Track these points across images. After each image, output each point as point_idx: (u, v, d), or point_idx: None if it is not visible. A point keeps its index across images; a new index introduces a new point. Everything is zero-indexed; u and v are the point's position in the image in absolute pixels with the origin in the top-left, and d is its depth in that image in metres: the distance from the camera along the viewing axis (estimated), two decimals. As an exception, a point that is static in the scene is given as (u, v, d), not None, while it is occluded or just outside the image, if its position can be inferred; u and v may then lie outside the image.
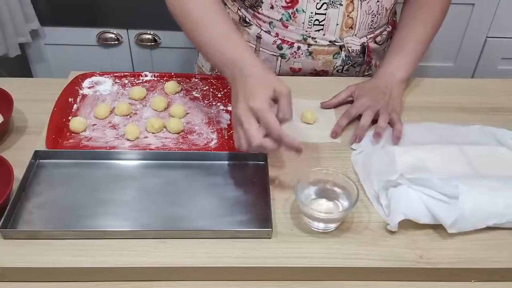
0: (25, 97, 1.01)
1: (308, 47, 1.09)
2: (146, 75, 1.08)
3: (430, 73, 1.88)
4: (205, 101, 1.03)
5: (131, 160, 0.88)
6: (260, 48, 1.12)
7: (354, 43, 1.08)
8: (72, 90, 1.02)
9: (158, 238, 0.76)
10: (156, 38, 1.79)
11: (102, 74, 1.08)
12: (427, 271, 0.74)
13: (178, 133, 0.95)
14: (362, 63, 1.14)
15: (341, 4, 1.03)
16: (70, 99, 1.00)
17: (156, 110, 1.00)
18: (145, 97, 1.03)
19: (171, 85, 1.04)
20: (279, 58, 1.12)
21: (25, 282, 0.73)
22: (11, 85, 1.00)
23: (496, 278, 0.76)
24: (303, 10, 1.04)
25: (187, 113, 0.99)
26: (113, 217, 0.78)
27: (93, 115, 0.98)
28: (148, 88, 1.05)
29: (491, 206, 0.78)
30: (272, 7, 1.06)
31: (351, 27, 1.07)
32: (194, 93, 1.05)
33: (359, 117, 0.97)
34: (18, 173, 0.82)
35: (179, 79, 1.08)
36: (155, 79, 1.08)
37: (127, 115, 0.98)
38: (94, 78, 1.07)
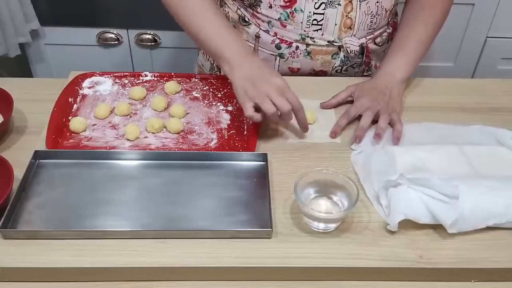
0: (25, 97, 1.01)
1: (306, 47, 1.09)
2: (146, 75, 1.08)
3: (430, 73, 1.88)
4: (205, 101, 1.03)
5: (131, 160, 0.87)
6: (259, 48, 1.12)
7: (352, 43, 1.08)
8: (72, 90, 1.02)
9: (158, 238, 0.76)
10: (156, 38, 1.78)
11: (102, 74, 1.08)
12: (427, 271, 0.74)
13: (178, 133, 0.95)
14: (361, 63, 1.14)
15: (339, 4, 1.03)
16: (70, 99, 1.00)
17: (156, 110, 1.00)
18: (145, 97, 1.03)
19: (171, 85, 1.04)
20: (278, 57, 1.11)
21: (25, 282, 0.73)
22: (11, 85, 1.00)
23: (496, 278, 0.76)
24: (301, 10, 1.04)
25: (187, 113, 0.99)
26: (113, 217, 0.78)
27: (93, 115, 0.98)
28: (148, 88, 1.05)
29: (491, 206, 0.78)
30: (270, 7, 1.05)
31: (350, 28, 1.07)
32: (194, 93, 1.05)
33: (359, 117, 0.97)
34: (18, 173, 0.82)
35: (179, 79, 1.08)
36: (155, 79, 1.08)
37: (127, 115, 0.98)
38: (94, 78, 1.07)
